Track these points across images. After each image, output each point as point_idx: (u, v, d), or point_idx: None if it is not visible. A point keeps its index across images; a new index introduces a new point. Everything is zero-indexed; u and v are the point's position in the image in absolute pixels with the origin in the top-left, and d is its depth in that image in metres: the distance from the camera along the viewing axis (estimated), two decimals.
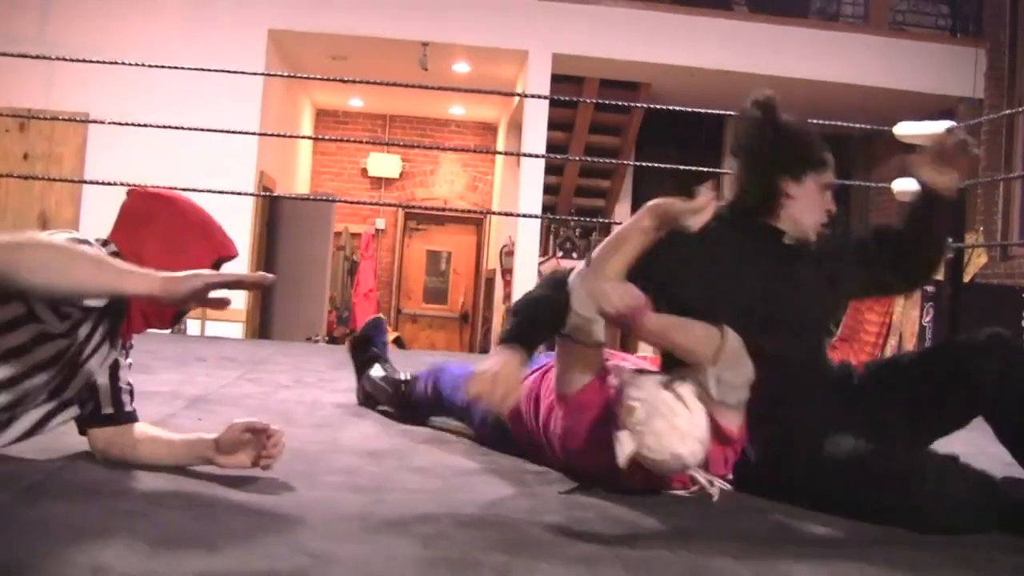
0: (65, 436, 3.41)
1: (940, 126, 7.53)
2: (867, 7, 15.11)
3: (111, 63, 8.92)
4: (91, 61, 8.96)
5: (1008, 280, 13.00)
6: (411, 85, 9.56)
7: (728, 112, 11.08)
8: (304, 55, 14.76)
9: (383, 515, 2.84)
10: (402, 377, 4.75)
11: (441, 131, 19.31)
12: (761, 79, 13.61)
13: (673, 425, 3.14)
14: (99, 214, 12.67)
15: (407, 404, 4.68)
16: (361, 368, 5.02)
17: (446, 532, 2.68)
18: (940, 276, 13.22)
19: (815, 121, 9.37)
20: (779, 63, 13.85)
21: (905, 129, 7.77)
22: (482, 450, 4.07)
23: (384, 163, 18.98)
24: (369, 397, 4.95)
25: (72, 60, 8.93)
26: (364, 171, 19.11)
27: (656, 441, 3.13)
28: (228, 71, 9.23)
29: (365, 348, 5.03)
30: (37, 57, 9.38)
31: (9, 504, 2.66)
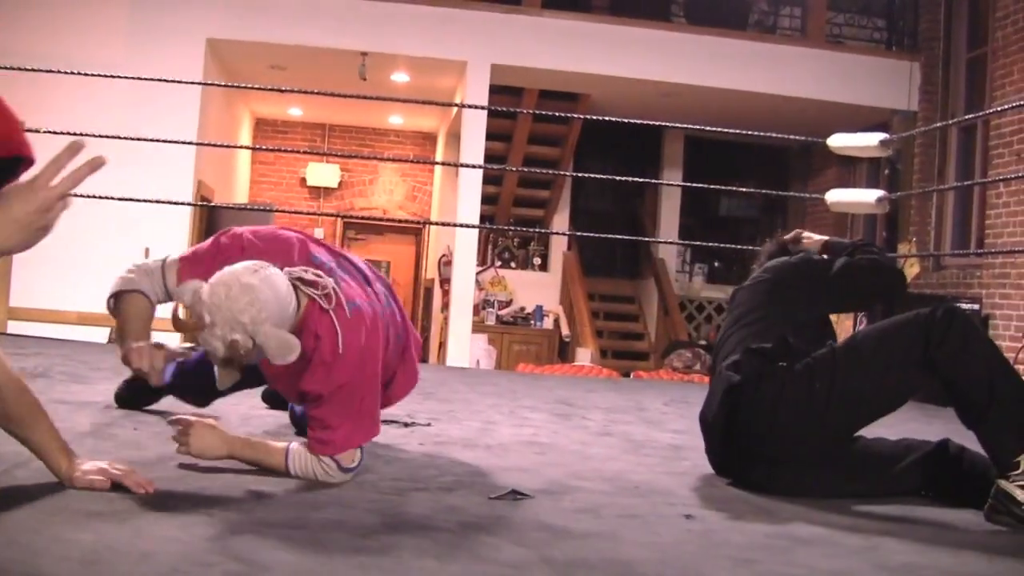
0: (7, 445, 3.40)
1: (874, 138, 7.63)
2: (804, 20, 15.24)
3: (48, 71, 8.90)
4: (28, 69, 8.95)
5: (940, 290, 13.13)
6: (350, 95, 9.60)
7: (666, 124, 11.19)
8: (243, 64, 14.72)
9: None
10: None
11: (380, 141, 19.31)
12: (699, 90, 13.75)
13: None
14: None
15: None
16: None
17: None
18: None
19: (752, 132, 9.49)
20: (717, 75, 13.94)
21: (840, 141, 7.86)
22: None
23: (323, 173, 18.96)
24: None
25: (9, 68, 8.90)
26: (303, 180, 19.09)
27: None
28: (166, 80, 9.21)
29: None
30: None
31: None
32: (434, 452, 4.26)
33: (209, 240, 3.85)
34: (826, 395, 3.72)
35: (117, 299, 3.82)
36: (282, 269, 3.47)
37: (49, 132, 9.03)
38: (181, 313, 3.42)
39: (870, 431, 3.94)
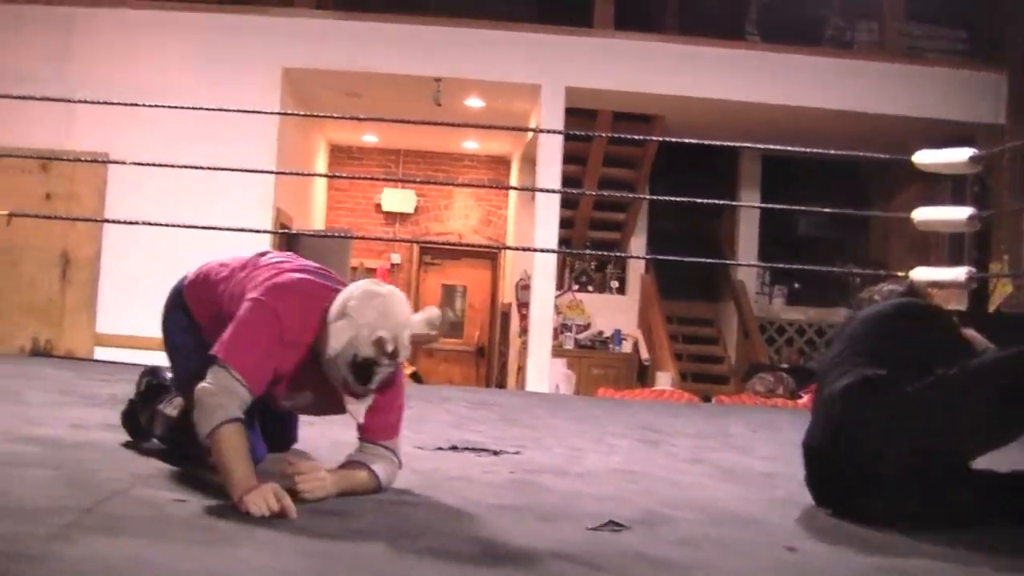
0: (101, 472, 3.39)
1: (963, 154, 7.47)
2: (882, 33, 15.06)
3: (130, 104, 8.94)
4: (110, 103, 9.00)
5: None
6: (425, 122, 9.62)
7: (742, 144, 11.10)
8: (318, 92, 14.76)
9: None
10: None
11: (455, 166, 19.29)
12: (775, 108, 13.61)
13: None
14: (119, 253, 12.76)
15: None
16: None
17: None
18: (964, 306, 13.19)
19: (831, 151, 9.37)
20: (793, 92, 13.80)
21: (926, 158, 7.70)
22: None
23: (398, 198, 18.98)
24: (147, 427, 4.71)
25: (92, 102, 8.95)
26: (378, 206, 19.10)
27: None
28: (244, 110, 9.24)
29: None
30: (58, 100, 9.44)
31: (46, 539, 2.64)
32: (525, 480, 4.21)
33: (249, 332, 3.74)
34: (943, 421, 3.64)
35: (214, 432, 3.58)
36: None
37: (135, 164, 9.12)
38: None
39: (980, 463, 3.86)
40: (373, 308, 3.49)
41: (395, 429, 3.88)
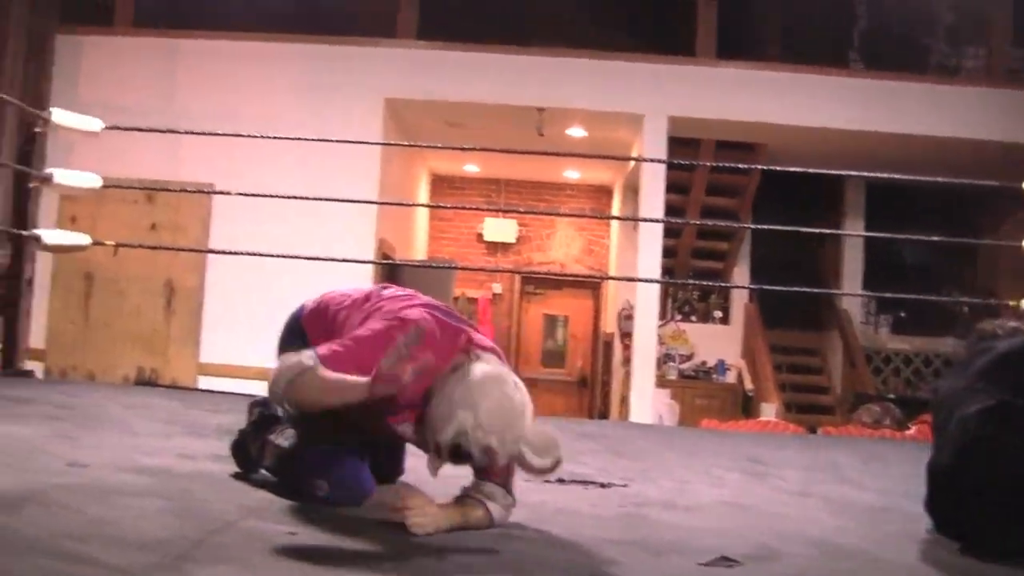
0: (210, 503, 3.40)
1: None
2: (989, 59, 14.87)
3: (234, 135, 9.03)
4: (215, 134, 9.11)
5: None
6: (528, 152, 9.61)
7: (847, 172, 10.99)
8: (420, 122, 14.83)
9: None
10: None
11: (557, 195, 19.30)
12: (880, 136, 13.48)
13: None
14: (223, 282, 12.89)
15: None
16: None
17: None
18: None
19: (938, 179, 9.25)
20: (898, 120, 13.65)
21: None
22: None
23: (500, 228, 19.01)
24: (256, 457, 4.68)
25: (197, 133, 9.05)
26: (480, 236, 19.15)
27: None
28: (347, 141, 9.30)
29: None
30: (164, 131, 9.54)
31: (157, 570, 2.64)
32: (634, 513, 4.18)
33: (375, 350, 3.67)
34: None
35: (296, 380, 3.64)
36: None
37: (239, 194, 9.19)
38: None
39: None
40: (499, 417, 3.42)
41: (510, 469, 3.79)
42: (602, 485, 4.86)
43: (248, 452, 4.45)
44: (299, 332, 4.21)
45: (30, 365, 11.01)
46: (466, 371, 3.54)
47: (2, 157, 11.96)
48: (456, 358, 3.62)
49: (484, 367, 3.57)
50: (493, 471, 3.73)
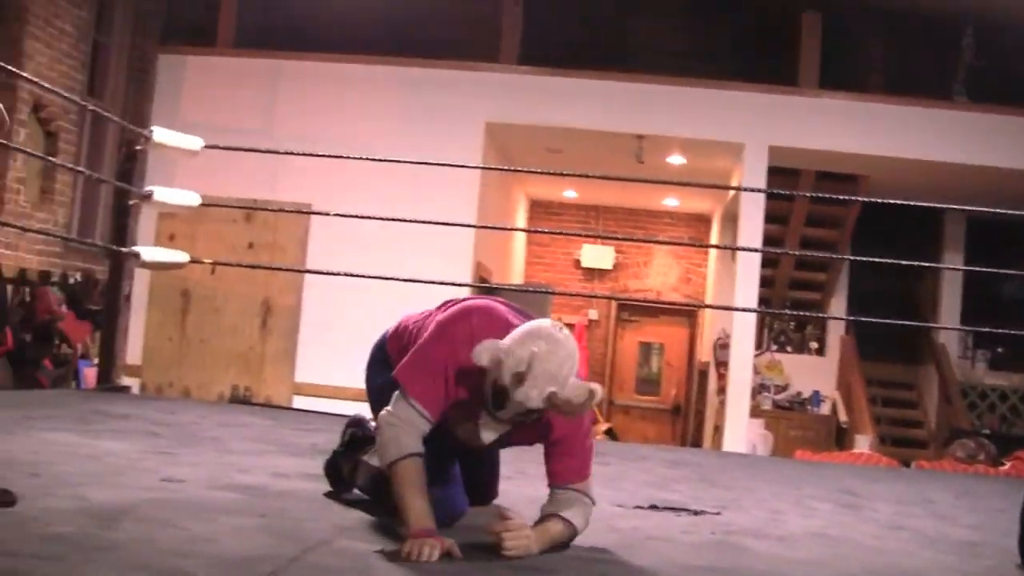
0: (304, 522, 3.45)
1: None
2: None
3: (334, 156, 9.12)
4: (314, 155, 9.19)
5: None
6: (627, 179, 9.62)
7: (948, 205, 10.90)
8: (520, 147, 14.90)
9: None
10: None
11: (654, 223, 19.30)
12: (982, 170, 13.36)
13: None
14: (319, 302, 13.00)
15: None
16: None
17: None
18: None
19: None
20: (1001, 154, 13.51)
21: None
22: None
23: (597, 254, 19.03)
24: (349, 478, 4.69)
25: (297, 154, 9.15)
26: (577, 262, 19.18)
27: None
28: (446, 164, 9.37)
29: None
30: (265, 151, 9.67)
31: None
32: (726, 542, 4.19)
33: (427, 356, 3.82)
34: None
35: (394, 465, 3.70)
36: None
37: (337, 215, 9.30)
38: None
39: None
40: (530, 347, 3.45)
41: (583, 471, 3.84)
42: (694, 513, 4.87)
43: (341, 472, 4.51)
44: (383, 359, 4.26)
45: (127, 381, 11.18)
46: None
47: (103, 174, 12.17)
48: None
49: (527, 325, 3.62)
50: (566, 463, 3.80)
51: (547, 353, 3.44)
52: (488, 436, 3.57)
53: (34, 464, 4.42)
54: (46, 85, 8.67)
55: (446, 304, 4.12)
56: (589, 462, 3.87)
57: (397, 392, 3.77)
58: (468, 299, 4.06)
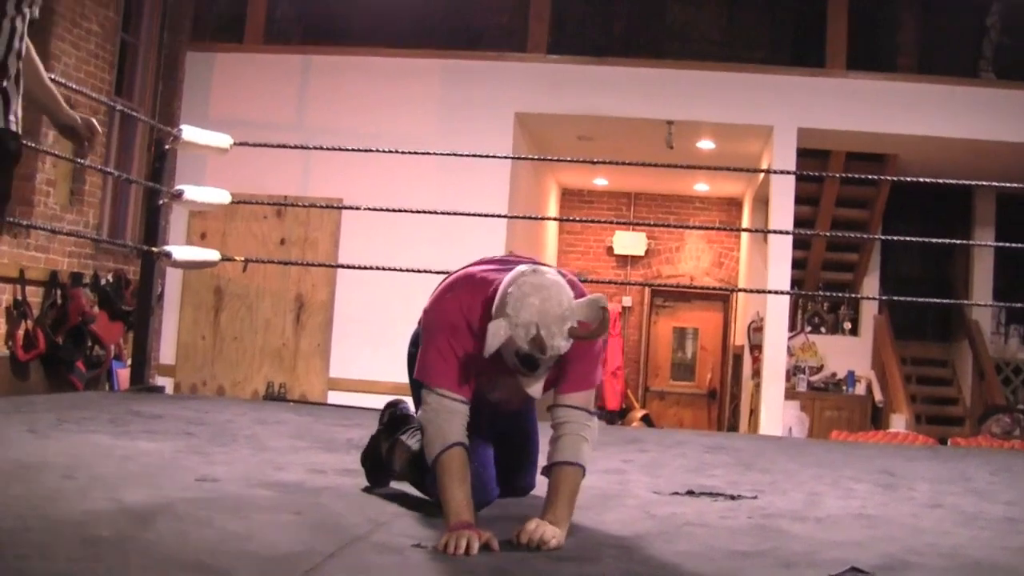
0: (342, 517, 3.48)
1: None
2: None
3: (364, 151, 9.17)
4: (345, 149, 9.27)
5: None
6: (657, 164, 9.63)
7: (977, 182, 10.88)
8: (550, 136, 14.93)
9: None
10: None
11: (686, 208, 19.30)
12: (1011, 147, 13.32)
13: None
14: (352, 297, 13.05)
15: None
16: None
17: None
18: None
19: None
20: None
21: None
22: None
23: (630, 241, 19.04)
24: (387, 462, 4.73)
25: (327, 148, 9.21)
26: (610, 249, 19.19)
27: None
28: (476, 155, 9.41)
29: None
30: (294, 147, 9.72)
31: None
32: (764, 525, 4.21)
33: (430, 346, 3.92)
34: None
35: (439, 457, 3.77)
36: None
37: (369, 209, 9.34)
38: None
39: None
40: (530, 305, 3.51)
41: (590, 379, 3.91)
42: (731, 497, 4.89)
43: (380, 452, 4.55)
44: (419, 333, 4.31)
45: (160, 381, 11.25)
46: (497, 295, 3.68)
47: (133, 174, 12.23)
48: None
49: (505, 281, 3.68)
50: (567, 375, 3.86)
51: (544, 302, 3.51)
52: (536, 388, 3.68)
53: (70, 467, 4.47)
54: (74, 86, 8.73)
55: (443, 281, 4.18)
56: (596, 367, 3.97)
57: (423, 390, 3.84)
58: (451, 274, 4.13)
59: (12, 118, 3.77)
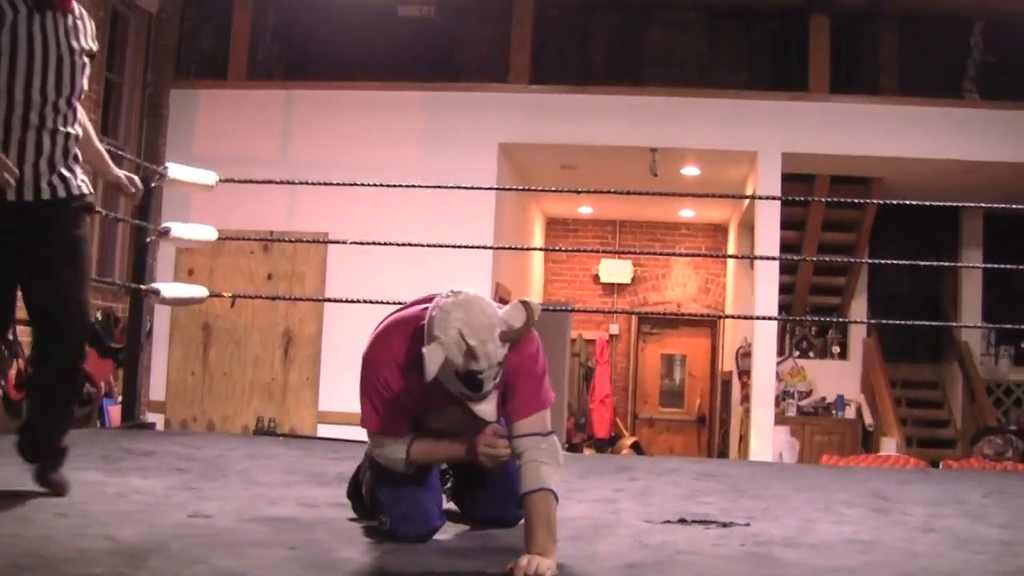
0: (335, 551, 3.45)
1: None
2: None
3: (350, 184, 9.15)
4: (329, 184, 9.24)
5: None
6: (642, 192, 9.61)
7: (963, 204, 10.88)
8: (534, 165, 14.93)
9: None
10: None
11: (671, 234, 19.32)
12: (997, 166, 13.34)
13: None
14: (340, 330, 13.02)
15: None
16: None
17: None
18: None
19: None
20: (1014, 149, 13.45)
21: None
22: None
23: (616, 269, 19.04)
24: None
25: (311, 184, 9.21)
26: (596, 277, 19.20)
27: None
28: (461, 187, 9.41)
29: None
30: (281, 182, 9.71)
31: None
32: (757, 552, 4.18)
33: (365, 399, 4.10)
34: None
35: (410, 464, 4.07)
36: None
37: (355, 243, 9.32)
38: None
39: None
40: (455, 321, 3.59)
41: (537, 399, 3.97)
42: (724, 524, 4.87)
43: (359, 483, 4.61)
44: None
45: (151, 417, 11.20)
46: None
47: (119, 212, 12.21)
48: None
49: (430, 309, 3.75)
50: (513, 401, 3.92)
51: (468, 315, 3.61)
52: (486, 410, 3.73)
53: (63, 505, 4.46)
54: None
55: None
56: (542, 385, 4.00)
57: (369, 436, 4.10)
58: (381, 323, 4.24)
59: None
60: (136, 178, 5.33)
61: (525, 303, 3.70)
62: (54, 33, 4.67)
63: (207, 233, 8.85)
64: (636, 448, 17.09)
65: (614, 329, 19.11)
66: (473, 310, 3.62)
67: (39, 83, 4.62)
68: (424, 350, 3.59)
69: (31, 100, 4.60)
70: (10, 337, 10.75)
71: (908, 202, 9.49)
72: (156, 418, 12.19)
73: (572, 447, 15.59)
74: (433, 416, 4.03)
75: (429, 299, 4.04)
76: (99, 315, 12.45)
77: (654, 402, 19.53)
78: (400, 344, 3.91)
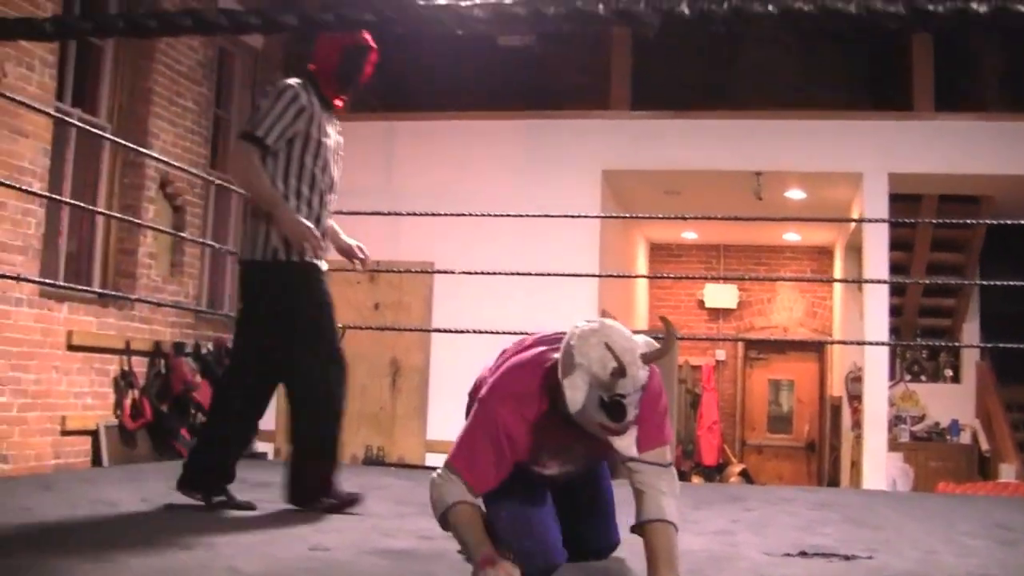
0: None
1: None
2: None
3: (454, 215, 9.11)
4: (435, 214, 9.23)
5: None
6: (748, 218, 9.50)
7: None
8: (637, 192, 14.85)
9: None
10: None
11: (776, 258, 19.14)
12: None
13: None
14: (447, 359, 12.99)
15: None
16: None
17: None
18: None
19: None
20: None
21: None
22: None
23: (720, 294, 18.90)
24: None
25: (417, 214, 9.20)
26: (701, 303, 19.07)
27: None
28: (565, 216, 9.33)
29: None
30: (387, 214, 9.71)
31: None
32: None
33: (468, 436, 3.97)
34: None
35: (445, 516, 3.89)
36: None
37: (464, 272, 9.28)
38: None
39: None
40: (597, 345, 3.51)
41: (661, 433, 3.91)
42: (846, 558, 4.73)
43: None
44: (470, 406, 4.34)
45: (261, 447, 11.25)
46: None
47: (229, 244, 12.36)
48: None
49: (563, 343, 3.68)
50: (643, 427, 3.78)
51: (608, 338, 3.54)
52: (627, 444, 3.65)
53: (185, 538, 4.51)
54: (172, 162, 8.95)
55: (501, 355, 4.25)
56: (665, 422, 3.97)
57: (446, 463, 3.94)
58: (504, 360, 4.13)
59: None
60: (363, 246, 6.67)
61: (664, 319, 3.72)
62: (334, 130, 6.24)
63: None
64: (745, 475, 16.90)
65: (720, 355, 18.95)
66: (614, 333, 3.57)
67: (329, 170, 6.21)
68: (564, 381, 3.53)
69: (325, 184, 6.20)
70: (125, 368, 10.97)
71: (1020, 222, 9.29)
72: (267, 447, 12.25)
73: (680, 475, 15.46)
74: (547, 457, 3.93)
75: (542, 340, 3.97)
76: (210, 346, 12.57)
77: (762, 428, 19.33)
78: (523, 385, 3.83)
